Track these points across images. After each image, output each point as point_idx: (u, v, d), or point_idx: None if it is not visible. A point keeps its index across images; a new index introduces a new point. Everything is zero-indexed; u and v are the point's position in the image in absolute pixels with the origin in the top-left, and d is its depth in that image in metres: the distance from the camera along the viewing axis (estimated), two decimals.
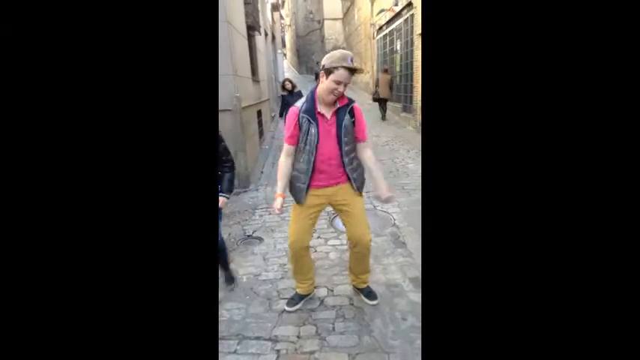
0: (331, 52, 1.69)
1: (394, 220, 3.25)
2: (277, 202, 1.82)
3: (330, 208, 3.73)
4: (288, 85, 5.95)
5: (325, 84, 1.66)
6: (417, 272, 2.37)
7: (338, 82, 1.63)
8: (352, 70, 1.64)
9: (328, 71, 1.63)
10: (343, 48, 18.84)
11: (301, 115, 1.74)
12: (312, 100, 1.74)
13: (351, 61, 1.64)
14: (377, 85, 8.59)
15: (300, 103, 1.77)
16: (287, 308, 2.04)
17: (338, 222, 3.34)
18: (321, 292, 2.22)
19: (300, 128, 1.75)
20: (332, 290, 2.23)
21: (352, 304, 2.07)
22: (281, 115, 6.23)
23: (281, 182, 1.85)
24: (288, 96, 5.83)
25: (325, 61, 1.65)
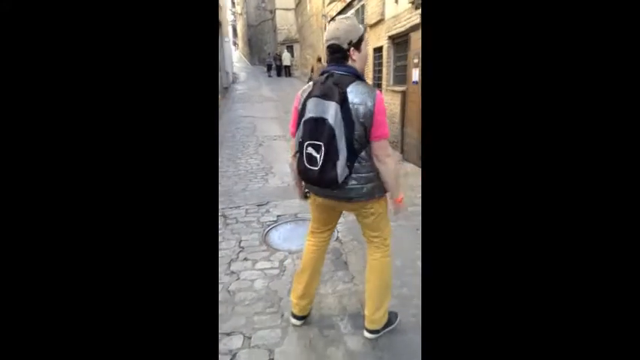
0: (343, 23, 1.43)
1: (337, 232, 2.82)
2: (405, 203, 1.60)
3: (265, 218, 3.26)
4: None
5: (361, 57, 1.46)
6: (358, 305, 1.94)
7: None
8: None
9: (359, 42, 1.43)
10: (296, 39, 18.42)
11: None
12: (362, 76, 1.46)
13: None
14: (312, 71, 10.27)
15: (368, 87, 1.42)
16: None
17: (273, 237, 2.85)
18: (235, 341, 1.70)
19: None
20: (249, 338, 1.72)
21: (272, 359, 1.59)
22: None
23: None
24: None
25: (353, 33, 1.42)
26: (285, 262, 2.42)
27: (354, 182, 1.44)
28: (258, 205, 3.44)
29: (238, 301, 2.00)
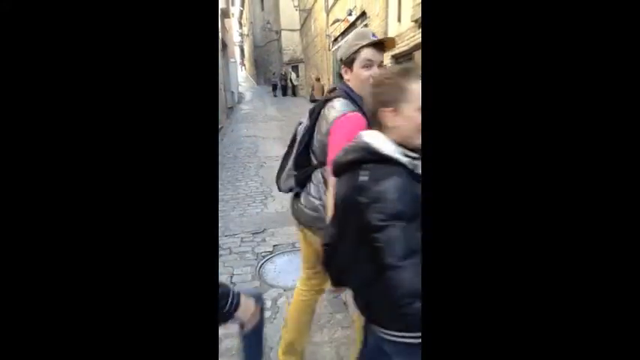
0: (348, 38, 1.40)
1: None
2: None
3: (260, 248, 3.05)
4: None
5: (355, 77, 1.28)
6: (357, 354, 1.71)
7: (368, 66, 1.25)
8: (379, 45, 1.26)
9: (350, 61, 1.27)
10: (300, 60, 18.62)
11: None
12: (355, 96, 1.27)
13: (374, 36, 1.29)
14: (313, 90, 12.37)
15: (346, 107, 1.24)
16: None
17: (268, 269, 2.64)
18: None
19: None
20: None
21: None
22: None
23: None
24: None
25: (344, 49, 1.30)
26: (279, 302, 2.21)
27: (302, 204, 1.38)
28: (254, 234, 3.26)
29: (224, 351, 1.78)
